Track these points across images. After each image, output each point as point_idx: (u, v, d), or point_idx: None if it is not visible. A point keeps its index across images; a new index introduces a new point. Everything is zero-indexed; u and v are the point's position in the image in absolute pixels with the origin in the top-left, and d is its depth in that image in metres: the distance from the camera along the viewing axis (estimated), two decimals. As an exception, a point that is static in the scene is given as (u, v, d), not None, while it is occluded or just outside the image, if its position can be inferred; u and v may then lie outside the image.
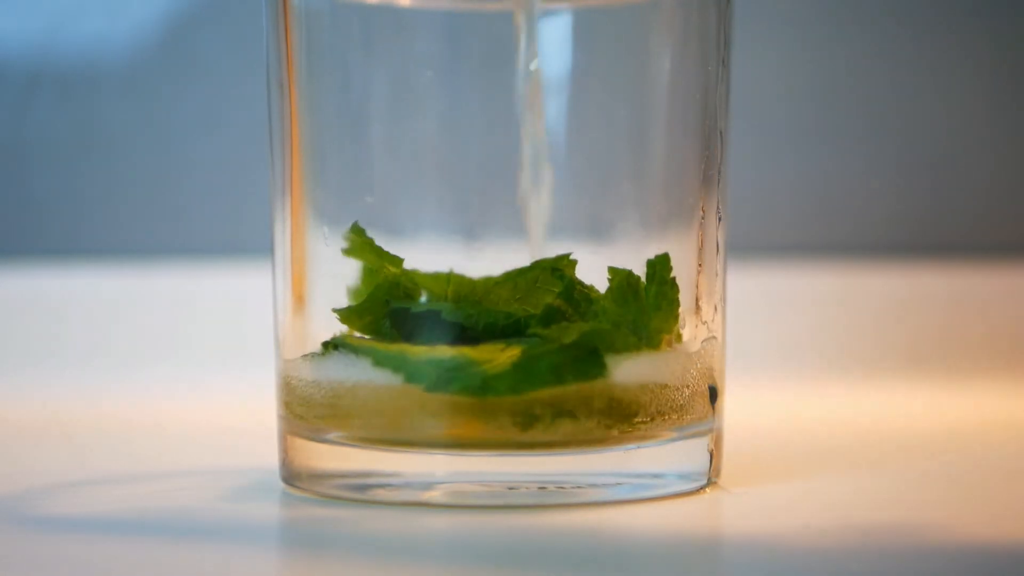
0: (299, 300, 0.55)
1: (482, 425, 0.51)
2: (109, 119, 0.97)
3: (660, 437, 0.53)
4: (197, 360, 0.89)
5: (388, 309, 0.53)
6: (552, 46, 0.55)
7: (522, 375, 0.51)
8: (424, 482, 0.52)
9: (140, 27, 0.97)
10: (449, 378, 0.51)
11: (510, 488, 0.52)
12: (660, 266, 0.53)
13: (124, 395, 0.84)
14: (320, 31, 0.55)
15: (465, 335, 0.52)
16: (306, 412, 0.54)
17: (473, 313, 0.52)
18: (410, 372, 0.51)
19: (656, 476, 0.53)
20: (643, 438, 0.53)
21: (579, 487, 0.52)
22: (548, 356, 0.51)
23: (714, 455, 0.55)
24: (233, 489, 0.57)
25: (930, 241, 0.95)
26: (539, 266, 0.53)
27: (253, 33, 0.57)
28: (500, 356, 0.51)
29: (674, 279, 0.53)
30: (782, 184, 0.96)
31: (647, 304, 0.53)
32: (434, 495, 0.52)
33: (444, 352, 0.51)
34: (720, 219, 0.55)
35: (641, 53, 0.55)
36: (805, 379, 0.88)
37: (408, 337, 0.52)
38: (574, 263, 0.53)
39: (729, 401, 0.57)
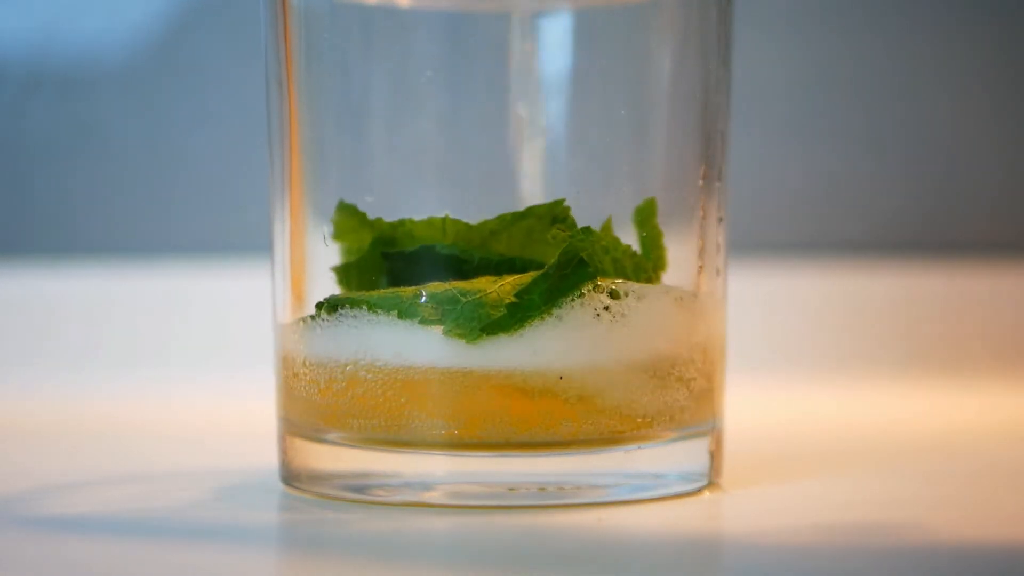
0: (298, 299, 0.55)
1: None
2: (107, 118, 0.97)
3: (661, 437, 0.53)
4: (196, 359, 0.89)
5: (385, 257, 0.53)
6: (552, 46, 0.55)
7: (518, 313, 0.51)
8: (424, 482, 0.52)
9: (138, 26, 0.97)
10: (442, 312, 0.51)
11: (510, 489, 0.52)
12: (647, 212, 0.53)
13: (122, 395, 0.84)
14: (319, 30, 0.55)
15: (459, 272, 0.52)
16: (307, 408, 0.53)
17: (468, 248, 0.52)
18: (403, 309, 0.51)
19: (657, 476, 0.53)
20: (644, 438, 0.53)
21: (579, 487, 0.52)
22: (537, 285, 0.51)
23: (715, 455, 0.55)
24: (232, 489, 0.57)
25: (931, 241, 0.95)
26: (533, 213, 0.53)
27: (252, 32, 0.57)
28: (491, 287, 0.51)
29: (657, 223, 0.54)
30: (782, 184, 0.96)
31: (641, 242, 0.53)
32: (434, 495, 0.52)
33: (436, 287, 0.51)
34: (720, 219, 0.55)
35: (641, 53, 0.55)
36: (805, 379, 0.88)
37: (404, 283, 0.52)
38: (568, 209, 0.53)
39: (729, 401, 0.57)
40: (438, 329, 0.51)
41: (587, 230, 0.52)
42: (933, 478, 0.60)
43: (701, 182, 0.55)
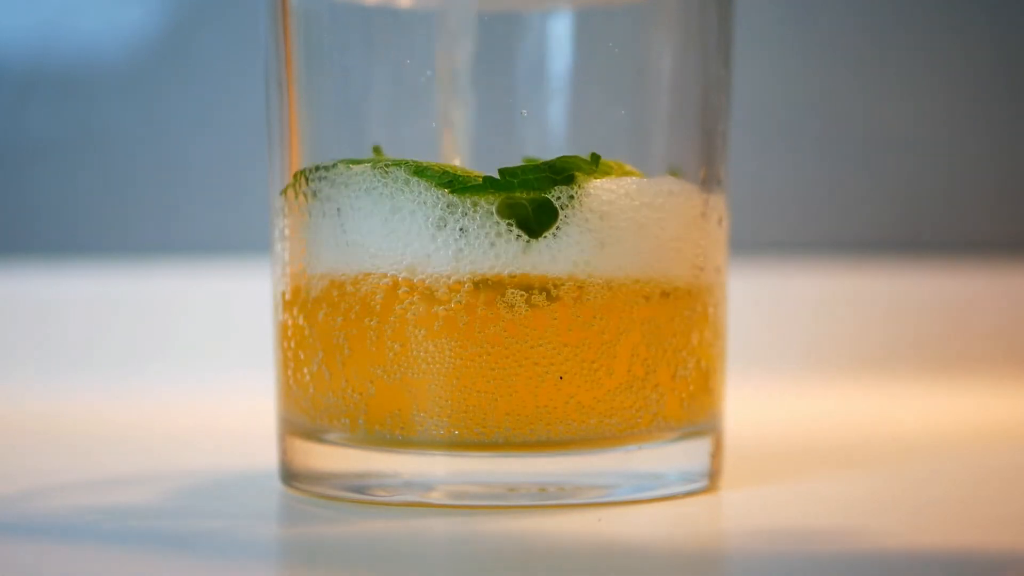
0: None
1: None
2: (107, 118, 0.97)
3: (661, 437, 0.53)
4: (196, 360, 0.89)
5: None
6: (552, 46, 0.55)
7: (490, 187, 0.51)
8: (424, 482, 0.52)
9: (138, 26, 0.97)
10: (414, 167, 0.51)
11: (510, 489, 0.52)
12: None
13: (122, 395, 0.84)
14: (319, 31, 0.55)
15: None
16: (307, 407, 0.53)
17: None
18: (377, 162, 0.51)
19: (657, 476, 0.53)
20: (644, 438, 0.53)
21: (579, 487, 0.52)
22: (524, 172, 0.51)
23: (715, 455, 0.55)
24: (232, 489, 0.57)
25: (930, 241, 0.95)
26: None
27: (251, 33, 0.57)
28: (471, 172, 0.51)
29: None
30: (782, 184, 0.96)
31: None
32: (434, 495, 0.52)
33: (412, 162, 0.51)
34: (720, 219, 0.55)
35: (641, 53, 0.55)
36: (805, 379, 0.88)
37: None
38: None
39: (730, 401, 0.57)
40: (412, 178, 0.51)
41: (596, 157, 0.51)
42: (933, 478, 0.60)
43: (701, 182, 0.55)
